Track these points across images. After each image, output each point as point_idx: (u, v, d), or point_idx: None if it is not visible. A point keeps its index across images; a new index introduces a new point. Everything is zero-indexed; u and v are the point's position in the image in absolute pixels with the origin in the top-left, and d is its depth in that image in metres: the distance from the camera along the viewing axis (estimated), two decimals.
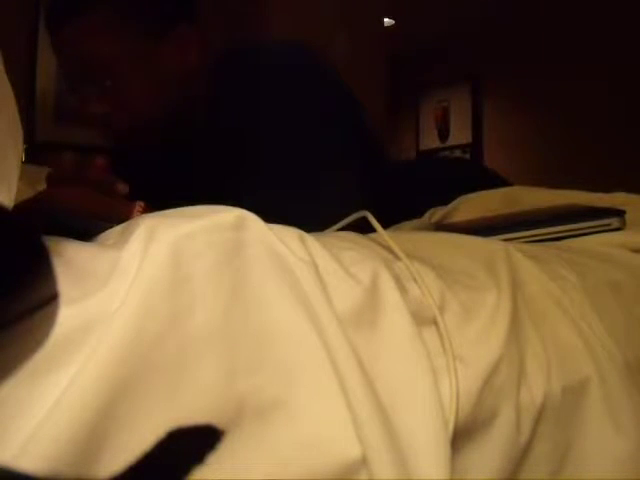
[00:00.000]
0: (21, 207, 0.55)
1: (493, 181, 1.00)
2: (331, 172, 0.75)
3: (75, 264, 0.30)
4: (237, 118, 0.80)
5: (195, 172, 0.85)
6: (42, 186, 0.61)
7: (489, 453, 0.37)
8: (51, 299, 0.27)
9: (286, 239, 0.35)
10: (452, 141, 4.40)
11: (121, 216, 0.52)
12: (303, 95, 0.80)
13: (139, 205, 0.59)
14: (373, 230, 0.48)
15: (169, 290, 0.29)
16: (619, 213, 0.67)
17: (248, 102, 0.79)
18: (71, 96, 0.80)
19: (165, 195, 0.62)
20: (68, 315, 0.27)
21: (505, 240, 0.59)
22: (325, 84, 0.83)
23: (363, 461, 0.30)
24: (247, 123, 0.79)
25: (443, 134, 4.46)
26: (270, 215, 0.37)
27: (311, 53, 0.84)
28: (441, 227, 0.81)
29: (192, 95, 0.82)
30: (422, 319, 0.39)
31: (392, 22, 3.68)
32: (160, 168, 0.87)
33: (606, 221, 0.66)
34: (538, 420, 0.40)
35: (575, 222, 0.67)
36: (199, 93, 0.83)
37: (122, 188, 0.60)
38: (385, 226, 0.48)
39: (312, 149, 0.76)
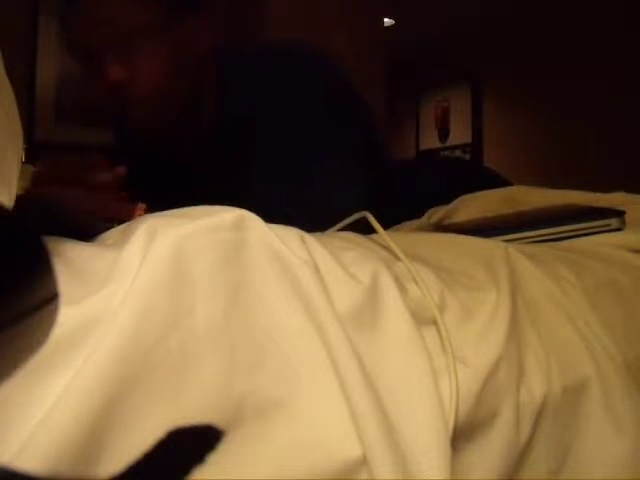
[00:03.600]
0: (21, 204, 0.55)
1: (493, 181, 1.00)
2: (337, 173, 0.75)
3: (75, 264, 0.30)
4: (245, 118, 0.80)
5: (197, 172, 0.85)
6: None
7: (489, 453, 0.37)
8: (51, 299, 0.27)
9: (286, 239, 0.35)
10: (452, 141, 4.40)
11: (121, 217, 0.53)
12: (314, 98, 0.80)
13: (140, 208, 0.60)
14: (373, 230, 0.48)
15: (169, 290, 0.29)
16: (619, 213, 0.67)
17: (258, 103, 0.79)
18: (85, 73, 0.78)
19: (166, 195, 0.63)
20: (68, 315, 0.27)
21: (505, 241, 0.59)
22: (336, 88, 0.83)
23: (363, 461, 0.30)
24: (255, 123, 0.79)
25: (443, 134, 4.46)
26: (273, 214, 0.38)
27: (324, 56, 0.85)
28: (441, 227, 0.81)
29: (201, 86, 0.82)
30: (422, 319, 0.39)
31: (392, 22, 3.68)
32: (161, 168, 0.87)
33: (606, 221, 0.66)
34: (538, 420, 0.40)
35: (575, 223, 0.67)
36: (207, 87, 0.83)
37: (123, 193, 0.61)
38: (385, 226, 0.48)
39: (319, 151, 0.77)
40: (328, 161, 0.77)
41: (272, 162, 0.77)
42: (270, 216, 0.36)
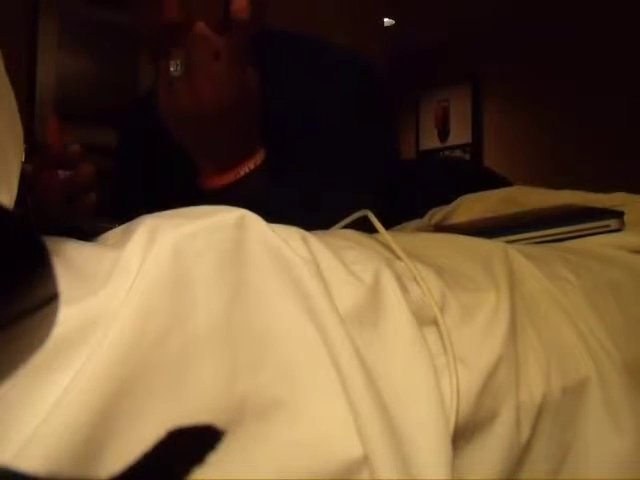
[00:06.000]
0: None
1: (493, 181, 1.01)
2: (359, 177, 0.75)
3: (75, 264, 0.30)
4: (280, 112, 0.78)
5: None
6: None
7: (489, 453, 0.37)
8: (51, 299, 0.27)
9: (288, 238, 0.35)
10: (452, 141, 4.40)
11: None
12: (351, 99, 0.79)
13: None
14: (374, 230, 0.48)
15: (170, 290, 0.29)
16: (618, 214, 0.67)
17: (296, 97, 0.78)
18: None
19: (174, 194, 0.62)
20: (68, 315, 0.27)
21: (505, 242, 0.59)
22: (372, 90, 0.83)
23: (365, 460, 0.30)
24: (289, 118, 0.77)
25: (443, 134, 4.46)
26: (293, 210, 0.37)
27: (364, 61, 0.84)
28: (441, 228, 0.81)
29: None
30: (423, 319, 0.39)
31: (392, 22, 3.68)
32: (170, 161, 0.85)
33: (605, 222, 0.66)
34: (538, 420, 0.40)
35: (574, 224, 0.67)
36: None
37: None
38: (385, 226, 0.48)
39: (344, 153, 0.76)
40: (350, 163, 0.76)
41: (303, 160, 0.75)
42: (278, 212, 0.36)
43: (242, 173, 0.64)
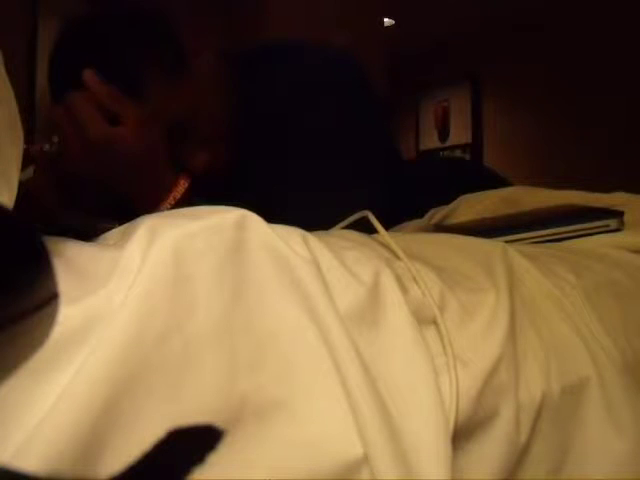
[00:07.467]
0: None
1: (493, 181, 1.00)
2: (358, 176, 0.75)
3: (75, 264, 0.30)
4: (274, 116, 0.78)
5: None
6: None
7: (489, 452, 0.37)
8: (51, 299, 0.27)
9: (288, 238, 0.35)
10: (452, 141, 4.40)
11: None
12: (343, 101, 0.79)
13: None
14: (374, 231, 0.49)
15: (170, 289, 0.29)
16: (617, 214, 0.67)
17: (288, 102, 0.78)
18: None
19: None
20: (68, 315, 0.27)
21: (504, 242, 0.59)
22: (364, 94, 0.83)
23: (365, 460, 0.30)
24: (277, 122, 0.78)
25: (443, 134, 4.46)
26: (285, 215, 0.38)
27: (353, 61, 0.84)
28: (441, 228, 0.81)
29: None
30: (422, 319, 0.39)
31: (392, 22, 3.68)
32: None
33: (604, 222, 0.66)
34: (537, 419, 0.40)
35: (574, 223, 0.67)
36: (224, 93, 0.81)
37: None
38: (386, 226, 0.48)
39: (340, 152, 0.76)
40: (349, 163, 0.76)
41: (302, 165, 0.75)
42: (282, 217, 0.36)
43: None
